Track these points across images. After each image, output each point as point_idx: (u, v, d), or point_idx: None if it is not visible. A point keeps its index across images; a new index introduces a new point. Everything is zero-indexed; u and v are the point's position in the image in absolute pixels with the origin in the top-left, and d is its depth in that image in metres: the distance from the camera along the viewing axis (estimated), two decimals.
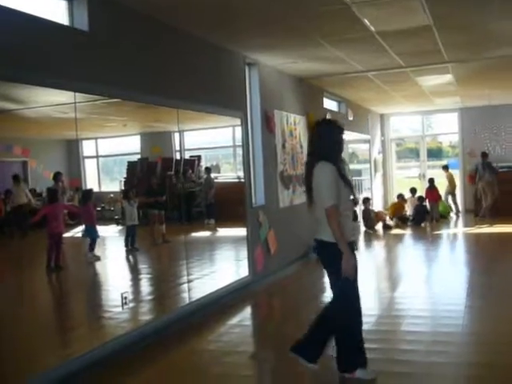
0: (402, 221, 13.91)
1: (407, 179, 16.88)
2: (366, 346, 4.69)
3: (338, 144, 4.17)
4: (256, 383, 4.44)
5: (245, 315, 6.63)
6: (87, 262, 7.13)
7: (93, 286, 7.15)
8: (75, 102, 5.20)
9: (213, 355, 4.99)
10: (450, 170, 15.79)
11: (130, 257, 8.13)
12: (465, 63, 8.98)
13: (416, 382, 4.24)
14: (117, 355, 4.89)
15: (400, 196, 14.53)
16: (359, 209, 13.65)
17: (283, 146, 8.89)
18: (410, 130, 18.57)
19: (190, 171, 8.72)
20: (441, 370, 4.45)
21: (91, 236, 6.84)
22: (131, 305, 6.15)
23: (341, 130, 4.21)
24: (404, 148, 20.37)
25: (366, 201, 13.64)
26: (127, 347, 5.05)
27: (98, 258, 7.18)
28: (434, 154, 21.38)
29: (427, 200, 14.67)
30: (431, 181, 15.03)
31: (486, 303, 6.48)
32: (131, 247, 7.82)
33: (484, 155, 14.57)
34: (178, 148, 8.52)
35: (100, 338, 5.17)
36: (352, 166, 14.82)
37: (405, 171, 19.30)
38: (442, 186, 15.28)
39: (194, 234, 8.29)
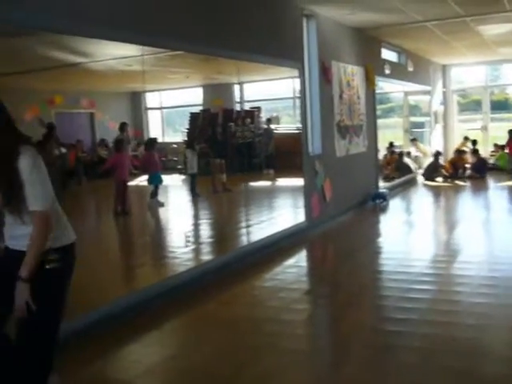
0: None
1: (469, 132, 16.54)
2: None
3: None
4: (309, 316, 4.74)
5: (300, 257, 6.95)
6: (151, 208, 7.58)
7: (157, 229, 7.61)
8: (142, 55, 5.50)
9: (270, 291, 5.31)
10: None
11: (193, 203, 8.55)
12: None
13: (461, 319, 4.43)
14: (181, 289, 5.22)
15: (457, 152, 14.39)
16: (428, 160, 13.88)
17: (340, 97, 9.00)
18: (474, 82, 18.10)
19: (250, 122, 8.97)
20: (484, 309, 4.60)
21: (155, 182, 7.24)
22: (193, 246, 6.56)
23: None
24: (468, 100, 19.88)
25: (438, 154, 14.12)
26: (188, 283, 5.31)
27: (161, 204, 7.60)
28: (502, 106, 20.71)
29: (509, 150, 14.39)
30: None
31: None
32: (193, 193, 8.24)
33: None
34: (238, 99, 8.76)
35: (163, 274, 5.56)
36: (414, 119, 14.72)
37: (467, 124, 18.86)
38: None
39: (254, 184, 8.59)
